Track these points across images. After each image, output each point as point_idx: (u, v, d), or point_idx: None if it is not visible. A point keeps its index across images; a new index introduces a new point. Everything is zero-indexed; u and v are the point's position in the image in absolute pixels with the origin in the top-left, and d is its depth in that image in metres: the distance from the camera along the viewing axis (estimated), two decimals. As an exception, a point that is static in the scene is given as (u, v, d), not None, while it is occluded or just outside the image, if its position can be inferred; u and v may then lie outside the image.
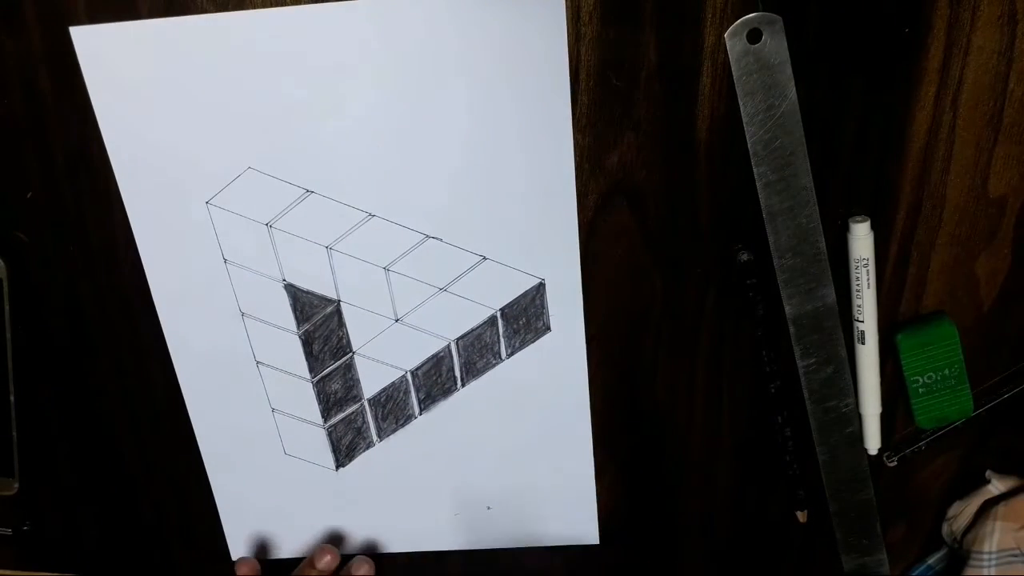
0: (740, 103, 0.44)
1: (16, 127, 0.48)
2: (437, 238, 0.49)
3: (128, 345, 0.53)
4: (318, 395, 0.54)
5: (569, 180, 0.47)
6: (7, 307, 0.52)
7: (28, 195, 0.50)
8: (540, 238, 0.48)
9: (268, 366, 0.53)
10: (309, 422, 0.55)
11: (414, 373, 0.53)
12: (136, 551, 0.61)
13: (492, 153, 0.46)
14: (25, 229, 0.51)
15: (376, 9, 0.43)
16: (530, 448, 0.55)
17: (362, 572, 0.57)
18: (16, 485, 0.56)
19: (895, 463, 0.53)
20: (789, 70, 0.43)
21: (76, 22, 0.45)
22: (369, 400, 0.54)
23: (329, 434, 0.55)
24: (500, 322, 0.51)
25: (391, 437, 0.55)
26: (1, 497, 0.57)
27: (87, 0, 0.44)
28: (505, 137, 0.46)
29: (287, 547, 0.60)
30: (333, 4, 0.44)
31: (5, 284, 0.51)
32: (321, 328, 0.52)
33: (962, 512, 0.53)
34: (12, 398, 0.53)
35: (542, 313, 0.51)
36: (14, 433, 0.54)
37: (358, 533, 0.59)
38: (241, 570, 0.56)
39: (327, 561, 0.57)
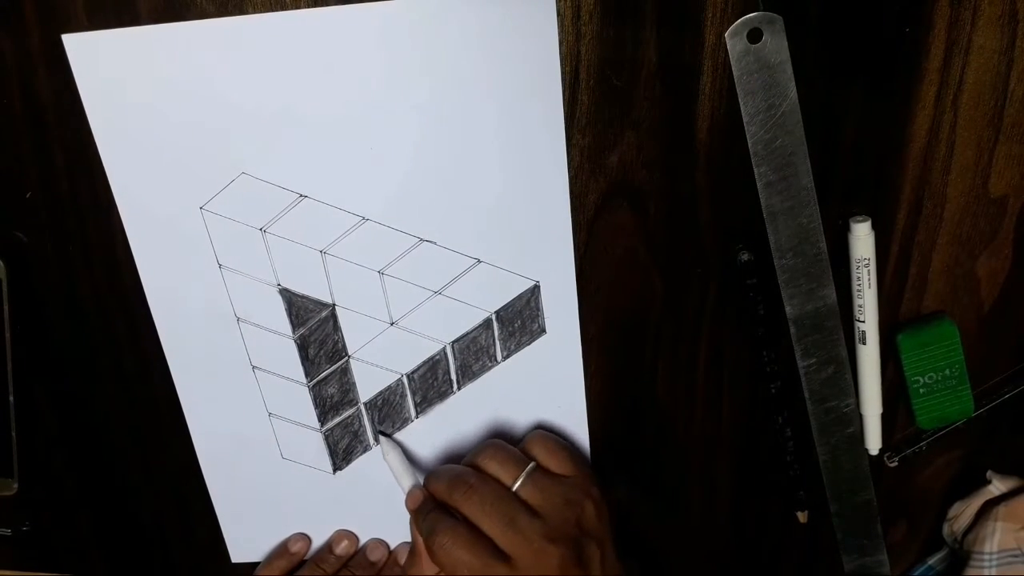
0: (740, 103, 0.44)
1: (16, 127, 0.48)
2: (431, 241, 0.49)
3: (127, 345, 0.53)
4: (314, 399, 0.54)
5: (563, 181, 0.47)
6: (7, 307, 0.52)
7: (28, 195, 0.50)
8: (535, 240, 0.48)
9: (264, 371, 0.53)
10: (306, 426, 0.55)
11: (410, 376, 0.53)
12: (136, 551, 0.61)
13: (485, 155, 0.46)
14: (25, 229, 0.51)
15: (370, 14, 0.43)
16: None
17: (375, 557, 0.57)
18: (15, 485, 0.56)
19: (896, 463, 0.53)
20: (790, 70, 0.43)
21: (74, 24, 0.45)
22: (365, 404, 0.54)
23: (326, 438, 0.55)
24: (495, 325, 0.51)
25: (388, 440, 0.55)
26: (0, 497, 0.57)
27: (85, 1, 0.44)
28: (498, 139, 0.46)
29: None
30: (328, 9, 0.43)
31: (5, 284, 0.51)
32: (316, 332, 0.52)
33: (963, 512, 0.53)
34: (11, 398, 0.53)
35: (537, 315, 0.51)
36: (13, 433, 0.54)
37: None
38: (293, 547, 0.58)
39: (344, 546, 0.57)
